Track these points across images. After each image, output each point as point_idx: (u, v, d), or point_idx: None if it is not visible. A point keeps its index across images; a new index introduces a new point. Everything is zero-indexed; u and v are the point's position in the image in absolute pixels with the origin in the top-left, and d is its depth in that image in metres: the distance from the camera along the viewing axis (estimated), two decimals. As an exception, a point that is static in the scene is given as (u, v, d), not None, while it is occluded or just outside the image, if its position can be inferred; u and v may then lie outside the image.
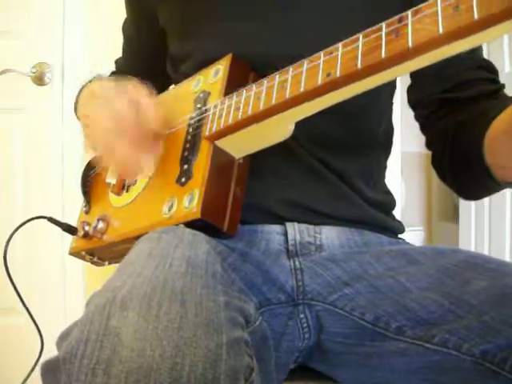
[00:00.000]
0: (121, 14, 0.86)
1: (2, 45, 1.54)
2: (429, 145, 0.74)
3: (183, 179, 0.58)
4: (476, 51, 0.70)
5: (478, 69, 0.69)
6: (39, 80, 1.54)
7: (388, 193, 0.76)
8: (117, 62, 0.93)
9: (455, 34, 0.38)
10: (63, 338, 0.40)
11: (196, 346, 0.34)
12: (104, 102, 0.59)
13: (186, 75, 0.70)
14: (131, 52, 0.89)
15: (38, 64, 1.53)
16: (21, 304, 0.75)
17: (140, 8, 0.79)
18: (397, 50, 0.41)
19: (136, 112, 0.58)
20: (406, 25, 0.41)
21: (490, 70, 0.70)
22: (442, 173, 0.72)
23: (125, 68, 0.91)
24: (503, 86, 0.70)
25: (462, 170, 0.66)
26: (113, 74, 0.93)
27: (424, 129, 0.75)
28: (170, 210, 0.58)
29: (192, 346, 0.34)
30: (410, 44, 0.40)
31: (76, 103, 0.72)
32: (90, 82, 0.71)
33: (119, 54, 0.92)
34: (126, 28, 0.87)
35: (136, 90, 0.60)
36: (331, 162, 0.66)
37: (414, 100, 0.75)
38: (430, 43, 0.40)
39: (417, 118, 0.76)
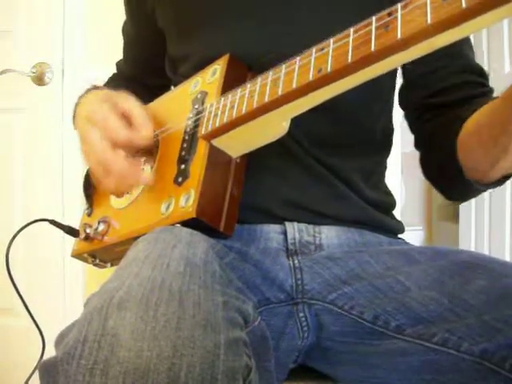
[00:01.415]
0: (121, 14, 0.86)
1: (2, 45, 1.55)
2: (416, 146, 0.76)
3: (180, 179, 0.59)
4: (465, 55, 0.71)
5: (465, 73, 0.69)
6: (39, 80, 1.55)
7: (388, 193, 0.76)
8: (118, 64, 0.93)
9: (444, 23, 0.38)
10: (61, 338, 0.40)
11: (194, 347, 0.34)
12: (98, 126, 0.61)
13: (185, 76, 0.70)
14: (131, 54, 0.89)
15: (38, 64, 1.54)
16: (21, 305, 0.75)
17: (139, 9, 0.79)
18: (386, 42, 0.42)
19: (130, 131, 0.60)
20: (396, 18, 0.41)
21: (479, 73, 0.71)
22: (427, 174, 0.74)
23: (125, 70, 0.91)
24: (491, 89, 0.70)
25: (441, 172, 0.68)
26: (114, 76, 0.93)
27: (412, 130, 0.77)
28: (167, 210, 0.58)
29: (190, 347, 0.34)
30: (399, 36, 0.41)
31: (74, 115, 0.72)
32: (86, 93, 0.70)
33: (119, 53, 0.92)
34: (126, 30, 0.87)
35: (130, 107, 0.62)
36: (330, 161, 0.66)
37: (403, 102, 0.77)
38: (419, 34, 0.40)
39: (406, 118, 0.77)
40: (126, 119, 0.61)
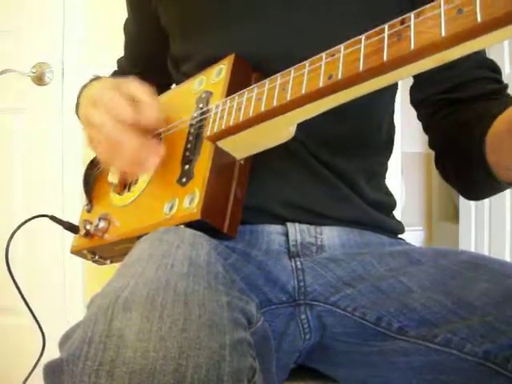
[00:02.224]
0: (121, 14, 0.86)
1: (2, 45, 1.55)
2: (432, 145, 0.74)
3: (184, 179, 0.58)
4: (479, 51, 0.70)
5: (481, 68, 0.69)
6: (39, 80, 1.55)
7: (389, 194, 0.76)
8: (119, 61, 0.93)
9: (458, 37, 0.38)
10: (66, 339, 0.40)
11: (199, 348, 0.34)
12: (104, 108, 0.58)
13: (187, 75, 0.70)
14: (133, 51, 0.89)
15: (38, 64, 1.54)
16: (21, 303, 0.75)
17: (141, 7, 0.79)
18: (399, 53, 0.41)
19: (137, 111, 0.57)
20: (409, 27, 0.41)
21: (493, 69, 0.70)
22: (445, 173, 0.72)
23: (127, 67, 0.91)
24: (506, 85, 0.70)
25: (464, 169, 0.66)
26: (115, 73, 0.93)
27: (427, 128, 0.75)
28: (170, 211, 0.58)
29: (195, 348, 0.34)
30: (413, 47, 0.40)
31: (77, 105, 0.72)
32: (90, 82, 0.71)
33: (119, 53, 0.92)
34: (128, 27, 0.87)
35: (135, 89, 0.59)
36: (332, 162, 0.66)
37: (417, 100, 0.75)
38: (433, 46, 0.39)
39: (420, 117, 0.76)
40: (133, 101, 0.58)
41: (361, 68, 0.43)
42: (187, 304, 0.37)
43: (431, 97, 0.72)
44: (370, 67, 0.43)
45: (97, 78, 0.71)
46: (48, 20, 1.55)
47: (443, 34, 0.38)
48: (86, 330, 0.36)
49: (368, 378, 0.59)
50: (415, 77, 0.74)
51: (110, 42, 1.05)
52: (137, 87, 0.59)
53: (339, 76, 0.45)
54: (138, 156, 0.57)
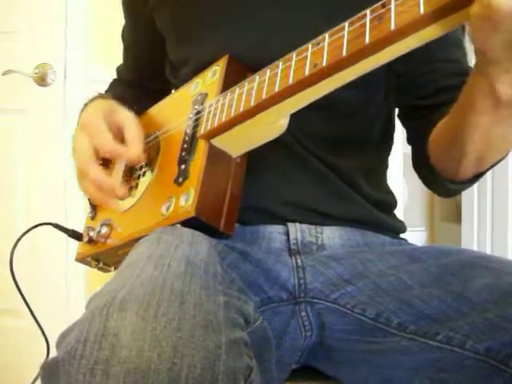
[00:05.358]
0: (122, 15, 0.86)
1: (4, 45, 1.55)
2: (407, 142, 0.76)
3: (180, 179, 0.59)
4: (457, 58, 0.69)
5: (454, 76, 0.68)
6: (42, 81, 1.55)
7: (389, 193, 0.76)
8: (118, 69, 0.93)
9: (437, 12, 0.38)
10: (62, 338, 0.40)
11: (194, 347, 0.35)
12: (88, 134, 0.63)
13: (185, 80, 0.70)
14: (131, 58, 0.89)
15: (40, 65, 1.54)
16: (23, 307, 0.75)
17: (137, 14, 0.79)
18: (380, 34, 0.42)
19: (116, 147, 0.62)
20: (389, 9, 0.42)
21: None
22: (414, 170, 0.75)
23: (126, 75, 0.91)
24: None
25: (420, 172, 0.71)
26: (114, 82, 0.93)
27: (404, 127, 0.76)
28: (167, 211, 0.58)
29: (190, 347, 0.34)
30: (393, 27, 0.41)
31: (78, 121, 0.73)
32: (91, 101, 0.71)
33: (121, 54, 0.92)
34: (125, 34, 0.87)
35: (125, 124, 0.64)
36: (331, 161, 0.66)
37: (396, 101, 0.76)
38: (412, 25, 0.40)
39: (397, 116, 0.77)
40: (120, 133, 0.64)
41: (344, 53, 0.44)
42: (183, 304, 0.37)
43: (406, 102, 0.72)
44: (352, 51, 0.44)
45: (97, 98, 0.71)
46: (50, 21, 1.55)
47: (422, 11, 0.39)
48: (81, 330, 0.36)
49: (369, 377, 0.59)
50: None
51: (112, 43, 1.05)
52: (127, 121, 0.64)
53: (324, 63, 0.46)
54: (99, 188, 0.63)
